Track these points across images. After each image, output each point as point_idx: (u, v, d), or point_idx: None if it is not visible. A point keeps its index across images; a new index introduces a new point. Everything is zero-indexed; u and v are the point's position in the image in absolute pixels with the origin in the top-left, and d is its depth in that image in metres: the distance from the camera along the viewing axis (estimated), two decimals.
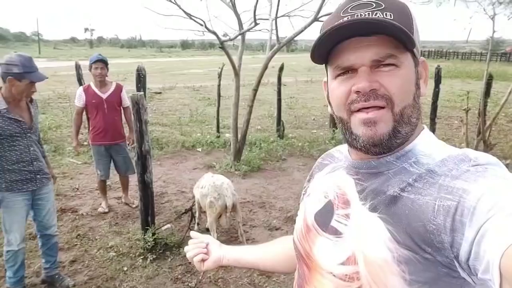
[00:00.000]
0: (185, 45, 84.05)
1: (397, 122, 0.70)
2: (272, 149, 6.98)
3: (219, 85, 8.01)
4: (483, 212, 0.56)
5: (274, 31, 5.73)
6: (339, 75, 0.73)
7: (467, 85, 18.66)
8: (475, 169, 0.64)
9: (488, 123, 6.26)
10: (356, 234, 0.72)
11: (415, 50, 0.71)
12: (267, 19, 5.97)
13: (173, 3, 4.91)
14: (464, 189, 0.61)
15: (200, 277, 3.26)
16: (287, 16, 6.10)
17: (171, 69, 27.26)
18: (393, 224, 0.67)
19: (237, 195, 3.70)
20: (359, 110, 0.71)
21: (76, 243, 3.79)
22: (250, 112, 6.21)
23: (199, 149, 7.11)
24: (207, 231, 3.95)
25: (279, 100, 8.03)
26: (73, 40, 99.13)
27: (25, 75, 2.66)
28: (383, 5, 0.69)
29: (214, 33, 5.42)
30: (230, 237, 3.97)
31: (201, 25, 5.18)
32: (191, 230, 4.05)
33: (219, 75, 7.93)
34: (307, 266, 0.82)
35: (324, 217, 0.79)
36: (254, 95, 6.11)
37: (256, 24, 5.32)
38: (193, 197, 4.07)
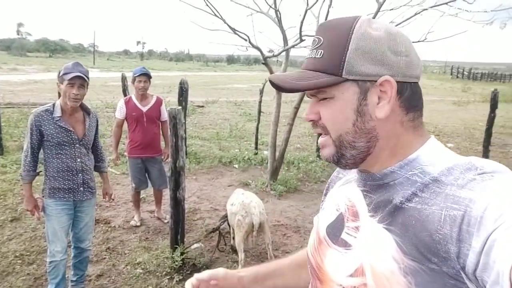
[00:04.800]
0: (231, 60, 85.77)
1: (338, 147, 0.75)
2: (311, 169, 6.73)
3: (260, 101, 7.92)
4: (490, 222, 0.55)
5: None
6: None
7: None
8: (481, 178, 0.62)
9: None
10: (364, 246, 0.72)
11: (353, 77, 0.71)
12: (313, 36, 5.80)
13: (219, 17, 4.88)
14: (470, 199, 0.59)
15: None
16: None
17: (215, 83, 27.76)
18: (399, 235, 0.67)
19: (265, 214, 3.51)
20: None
21: (105, 256, 3.75)
22: (289, 131, 6.04)
23: (236, 166, 7.00)
24: (233, 251, 3.78)
25: None
26: (126, 52, 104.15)
27: (64, 76, 2.69)
28: (322, 41, 0.74)
29: (258, 48, 5.33)
30: (261, 262, 3.76)
31: (245, 40, 5.11)
32: (220, 251, 3.91)
33: (261, 91, 7.84)
34: (319, 279, 0.82)
35: (335, 230, 0.80)
36: (295, 113, 5.94)
37: (301, 40, 5.17)
38: (225, 215, 3.93)
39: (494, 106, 6.82)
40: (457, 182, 0.64)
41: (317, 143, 7.77)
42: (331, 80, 0.71)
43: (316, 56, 0.74)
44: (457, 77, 45.70)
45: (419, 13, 5.29)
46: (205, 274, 1.00)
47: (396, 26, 4.80)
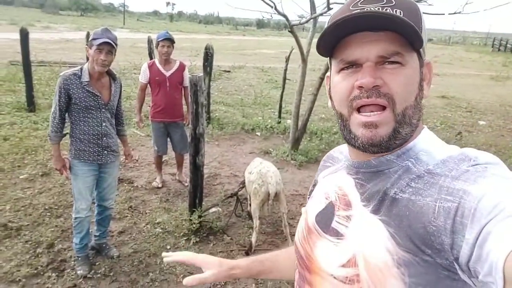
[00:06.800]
0: (260, 24, 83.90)
1: (398, 122, 0.69)
2: (334, 141, 6.67)
3: (285, 69, 7.79)
4: (484, 214, 0.55)
5: None
6: (342, 69, 0.72)
7: None
8: (474, 169, 0.62)
9: None
10: (357, 236, 0.71)
11: (421, 50, 0.71)
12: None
13: None
14: (464, 190, 0.59)
15: None
16: None
17: (244, 47, 27.39)
18: (393, 226, 0.66)
19: (282, 184, 3.55)
20: (360, 110, 0.70)
21: (127, 214, 3.93)
22: (313, 101, 5.95)
23: (258, 133, 7.03)
24: (249, 217, 3.87)
25: None
26: (155, 13, 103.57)
27: (93, 41, 2.74)
28: (394, 2, 0.69)
29: (284, 15, 5.20)
30: (276, 229, 3.86)
31: (271, 6, 4.98)
32: (237, 216, 4.03)
33: (287, 59, 7.70)
34: (308, 268, 0.81)
35: (325, 218, 0.78)
36: (320, 83, 5.83)
37: (329, 9, 4.99)
38: (243, 181, 4.00)
39: None
40: (451, 174, 0.64)
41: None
42: (422, 40, 0.68)
43: (394, 13, 0.67)
44: (499, 50, 42.86)
45: None
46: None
47: None
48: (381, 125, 0.68)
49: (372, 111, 0.69)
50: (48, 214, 3.78)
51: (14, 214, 3.71)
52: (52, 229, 3.53)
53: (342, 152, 0.90)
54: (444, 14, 4.70)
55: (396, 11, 0.67)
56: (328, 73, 0.81)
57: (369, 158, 0.75)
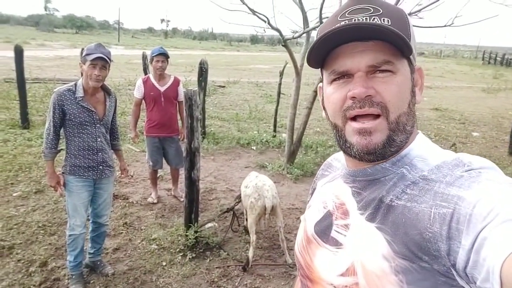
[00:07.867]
0: (254, 39, 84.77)
1: (392, 130, 0.69)
2: (329, 154, 6.64)
3: (280, 84, 7.85)
4: (479, 219, 0.55)
5: None
6: (334, 80, 0.72)
7: None
8: (468, 175, 0.62)
9: None
10: (355, 244, 0.71)
11: (411, 57, 0.71)
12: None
13: None
14: (459, 196, 0.59)
15: (236, 284, 3.15)
16: None
17: (238, 63, 27.59)
18: (390, 234, 0.66)
19: (278, 198, 3.53)
20: (354, 119, 0.70)
21: (122, 231, 3.88)
22: (308, 114, 5.98)
23: (254, 147, 7.03)
24: (246, 232, 3.84)
25: None
26: (150, 30, 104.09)
27: (86, 57, 2.74)
28: (381, 11, 0.69)
29: (278, 30, 5.25)
30: (273, 244, 3.82)
31: (264, 21, 5.05)
32: (233, 231, 3.99)
33: (281, 73, 7.76)
34: (309, 278, 0.81)
35: (324, 228, 0.78)
36: (314, 97, 5.86)
37: (322, 23, 5.06)
38: (239, 195, 3.97)
39: None
40: (446, 179, 0.64)
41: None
42: (411, 48, 0.68)
43: (382, 23, 0.67)
44: (489, 62, 43.58)
45: None
46: None
47: (421, 9, 4.64)
48: (375, 132, 0.69)
49: (365, 120, 0.69)
50: (42, 232, 3.72)
51: (7, 233, 3.65)
52: (46, 247, 3.47)
53: (340, 160, 0.91)
54: (434, 27, 4.79)
55: (383, 19, 0.68)
56: (320, 84, 0.82)
57: (365, 166, 0.75)
